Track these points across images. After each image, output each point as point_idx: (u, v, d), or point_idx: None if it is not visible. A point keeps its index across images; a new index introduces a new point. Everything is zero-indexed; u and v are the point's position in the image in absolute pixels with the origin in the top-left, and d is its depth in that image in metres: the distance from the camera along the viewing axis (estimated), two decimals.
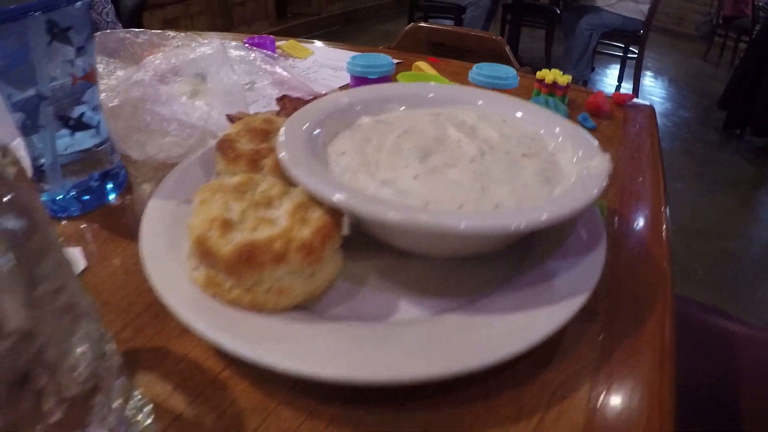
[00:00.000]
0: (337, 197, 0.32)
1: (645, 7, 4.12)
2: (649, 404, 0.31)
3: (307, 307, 0.33)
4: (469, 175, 0.37)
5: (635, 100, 0.89)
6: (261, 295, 0.30)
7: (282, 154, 0.36)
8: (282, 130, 0.39)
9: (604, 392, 0.32)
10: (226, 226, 0.30)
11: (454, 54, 1.35)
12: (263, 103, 0.70)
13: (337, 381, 0.28)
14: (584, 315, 0.36)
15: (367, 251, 0.38)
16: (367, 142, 0.41)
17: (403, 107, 0.48)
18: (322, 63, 0.94)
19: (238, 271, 0.29)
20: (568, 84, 0.82)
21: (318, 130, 0.41)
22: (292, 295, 0.31)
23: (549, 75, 0.83)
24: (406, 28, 1.52)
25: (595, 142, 0.43)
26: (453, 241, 0.36)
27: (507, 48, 1.40)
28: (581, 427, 0.30)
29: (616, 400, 0.32)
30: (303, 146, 0.37)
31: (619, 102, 0.88)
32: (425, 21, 4.71)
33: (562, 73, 0.82)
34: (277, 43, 1.01)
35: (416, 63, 0.85)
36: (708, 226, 2.76)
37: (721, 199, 3.02)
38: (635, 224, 0.52)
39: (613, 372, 0.33)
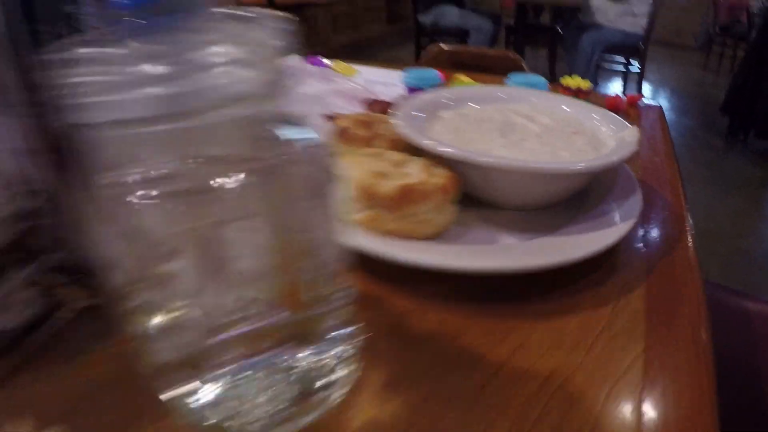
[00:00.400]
0: (455, 151, 0.45)
1: (643, 21, 4.23)
2: (687, 293, 0.44)
3: (436, 239, 0.46)
4: (539, 145, 0.50)
5: (644, 100, 1.02)
6: (411, 225, 0.43)
7: (404, 129, 0.49)
8: (396, 116, 0.52)
9: (656, 288, 0.45)
10: (380, 176, 0.43)
11: (475, 72, 1.48)
12: (337, 110, 0.83)
13: (486, 270, 0.41)
14: (630, 245, 0.50)
15: (468, 206, 0.50)
16: (455, 127, 0.54)
17: (473, 104, 0.61)
18: (372, 80, 1.07)
19: (398, 206, 0.42)
20: (588, 89, 0.96)
21: (420, 114, 0.55)
22: (432, 225, 0.44)
23: (572, 81, 0.96)
24: (432, 50, 1.66)
25: (625, 122, 0.56)
26: (536, 184, 0.48)
27: (523, 63, 1.54)
28: (643, 311, 0.43)
29: (664, 293, 0.44)
30: (414, 125, 0.51)
31: (632, 102, 1.01)
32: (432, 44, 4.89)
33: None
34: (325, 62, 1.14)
35: (456, 75, 0.99)
36: (719, 226, 2.86)
37: (730, 201, 3.12)
38: (658, 189, 0.64)
39: (659, 276, 0.46)
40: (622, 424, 0.34)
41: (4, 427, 0.33)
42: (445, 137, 0.51)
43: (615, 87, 5.18)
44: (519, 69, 1.52)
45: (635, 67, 4.55)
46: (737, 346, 1.01)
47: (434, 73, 0.89)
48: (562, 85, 0.97)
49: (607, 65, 5.12)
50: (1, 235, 0.37)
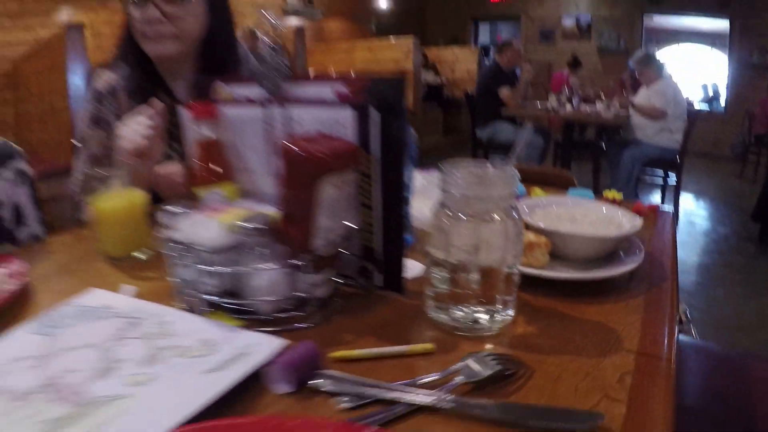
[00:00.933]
0: (551, 228, 0.96)
1: (680, 137, 4.65)
2: (668, 296, 0.93)
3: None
4: (590, 227, 1.01)
5: (660, 208, 1.52)
6: (530, 260, 0.93)
7: (524, 216, 1.01)
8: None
9: (651, 296, 0.94)
10: None
11: (537, 185, 2.00)
12: None
13: (569, 278, 0.92)
14: (633, 281, 0.99)
15: (551, 257, 1.00)
16: (545, 217, 1.06)
17: (554, 206, 1.13)
18: None
19: (527, 251, 0.92)
20: (620, 200, 1.47)
21: (525, 210, 1.07)
22: (540, 262, 0.94)
23: (610, 194, 1.48)
24: None
25: (636, 216, 1.06)
26: (589, 245, 0.99)
27: (574, 179, 2.07)
28: (642, 304, 0.92)
29: (653, 296, 0.93)
30: (525, 214, 1.03)
31: (651, 209, 1.51)
32: (486, 156, 5.46)
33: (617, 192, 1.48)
34: None
35: (533, 188, 1.51)
36: (747, 323, 3.15)
37: (758, 301, 3.41)
38: (657, 255, 1.13)
39: (651, 289, 0.95)
40: (631, 334, 0.82)
41: (324, 350, 0.82)
42: (541, 221, 1.03)
43: (654, 198, 5.52)
44: (571, 183, 2.05)
45: (673, 179, 4.89)
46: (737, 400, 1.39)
47: (521, 187, 1.42)
48: (603, 196, 1.49)
49: (647, 178, 5.44)
50: (334, 246, 0.87)
